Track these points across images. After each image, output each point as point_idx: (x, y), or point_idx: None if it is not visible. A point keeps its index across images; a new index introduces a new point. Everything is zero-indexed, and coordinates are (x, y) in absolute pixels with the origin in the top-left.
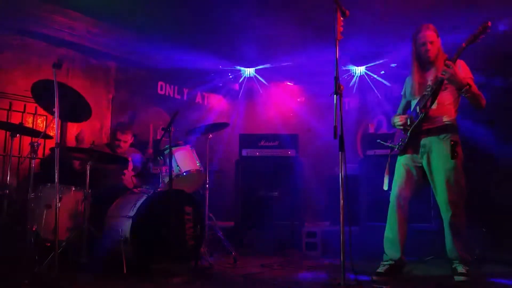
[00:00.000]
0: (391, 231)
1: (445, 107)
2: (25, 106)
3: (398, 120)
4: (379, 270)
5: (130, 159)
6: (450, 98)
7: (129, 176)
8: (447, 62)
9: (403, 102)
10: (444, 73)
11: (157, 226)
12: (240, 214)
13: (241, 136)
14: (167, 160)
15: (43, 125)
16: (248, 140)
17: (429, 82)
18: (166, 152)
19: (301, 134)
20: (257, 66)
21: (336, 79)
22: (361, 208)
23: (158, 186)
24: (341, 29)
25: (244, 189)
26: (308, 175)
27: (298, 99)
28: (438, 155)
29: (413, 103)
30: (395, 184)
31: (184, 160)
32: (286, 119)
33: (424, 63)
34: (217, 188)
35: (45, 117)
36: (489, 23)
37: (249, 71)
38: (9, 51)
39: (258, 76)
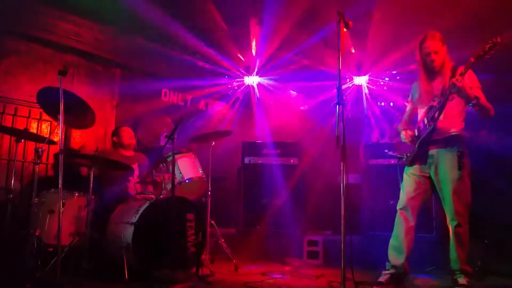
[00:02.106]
0: (396, 239)
1: (452, 118)
2: (30, 111)
3: (404, 136)
4: (380, 279)
5: (136, 165)
6: (456, 108)
7: (133, 182)
8: (456, 77)
9: (409, 108)
10: (452, 87)
11: (159, 233)
12: (242, 221)
13: (244, 144)
14: (170, 168)
15: (47, 130)
16: (251, 148)
17: (437, 92)
18: (169, 159)
19: (304, 142)
20: (260, 74)
21: (339, 89)
22: (363, 217)
23: (160, 193)
24: (344, 40)
25: (246, 196)
26: (310, 183)
27: (301, 107)
28: (445, 166)
29: (420, 111)
30: (403, 193)
31: (187, 167)
32: (289, 127)
33: (430, 72)
34: (219, 195)
35: (49, 122)
36: (499, 39)
37: (252, 79)
38: (15, 57)
39: (261, 84)
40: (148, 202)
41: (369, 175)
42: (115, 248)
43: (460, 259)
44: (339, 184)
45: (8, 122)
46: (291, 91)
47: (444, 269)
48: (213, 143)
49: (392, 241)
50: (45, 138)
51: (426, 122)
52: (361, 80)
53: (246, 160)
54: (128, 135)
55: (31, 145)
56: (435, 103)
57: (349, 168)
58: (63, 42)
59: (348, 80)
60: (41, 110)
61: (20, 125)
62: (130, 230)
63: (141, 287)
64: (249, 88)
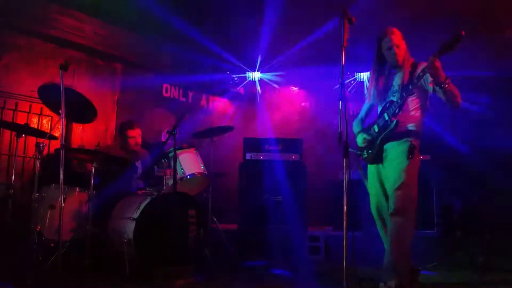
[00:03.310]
0: (385, 243)
1: (411, 113)
2: (30, 106)
3: (361, 140)
4: None
5: (139, 162)
6: (416, 103)
7: (135, 178)
8: (431, 57)
9: (367, 106)
10: (429, 64)
11: (161, 229)
12: (243, 217)
13: (245, 140)
14: (172, 163)
15: (48, 125)
16: (252, 144)
17: (396, 87)
18: (171, 155)
19: (306, 138)
20: (262, 69)
21: (342, 85)
22: (364, 213)
23: (162, 188)
24: (348, 36)
25: (247, 192)
26: (311, 179)
27: (303, 104)
28: (394, 155)
29: (379, 108)
30: (371, 195)
31: (189, 163)
32: (291, 123)
33: (390, 67)
34: (221, 191)
35: (50, 117)
36: (463, 33)
37: (254, 75)
38: (16, 52)
39: (263, 80)
40: (150, 197)
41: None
42: (117, 244)
43: (392, 255)
44: (340, 180)
45: (8, 117)
46: (293, 87)
47: (446, 264)
48: (215, 139)
49: (385, 246)
50: (46, 133)
51: (387, 117)
52: (363, 76)
53: (248, 156)
54: (133, 142)
55: (31, 140)
56: (395, 98)
57: (351, 164)
58: (64, 37)
59: (350, 76)
60: (42, 105)
61: (20, 120)
62: (131, 225)
63: (143, 282)
64: (251, 84)
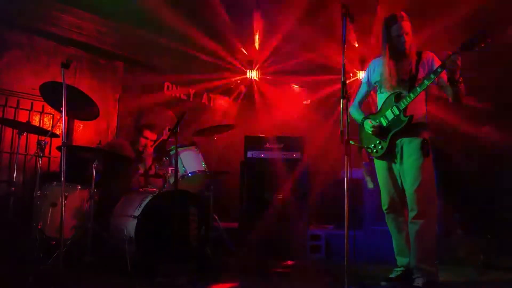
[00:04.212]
0: (394, 239)
1: (417, 105)
2: (32, 104)
3: (371, 128)
4: (390, 275)
5: (142, 164)
6: (423, 96)
7: (137, 177)
8: (453, 55)
9: (365, 89)
10: (454, 58)
11: (162, 226)
12: (244, 215)
13: (247, 138)
14: (173, 161)
15: (49, 123)
16: (254, 142)
17: (404, 76)
18: (172, 152)
19: (307, 136)
20: (263, 68)
21: (344, 83)
22: (366, 212)
23: (163, 186)
24: (349, 33)
25: (248, 190)
26: (313, 177)
27: (304, 102)
28: (408, 154)
29: (381, 96)
30: (383, 191)
31: (190, 161)
32: (292, 121)
33: (396, 54)
34: (222, 189)
35: (52, 115)
36: (489, 33)
37: (255, 73)
38: (18, 49)
39: (264, 78)
40: (151, 195)
41: (372, 169)
42: (118, 241)
43: (416, 257)
44: (341, 179)
45: (10, 115)
46: (294, 85)
47: (447, 263)
48: (216, 137)
49: (393, 242)
50: (48, 131)
51: (398, 112)
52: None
53: (249, 154)
54: (144, 142)
55: (33, 137)
56: (401, 89)
57: (352, 162)
58: (66, 35)
59: (351, 75)
60: (44, 103)
61: (22, 118)
62: (133, 223)
63: (144, 280)
64: (252, 82)
